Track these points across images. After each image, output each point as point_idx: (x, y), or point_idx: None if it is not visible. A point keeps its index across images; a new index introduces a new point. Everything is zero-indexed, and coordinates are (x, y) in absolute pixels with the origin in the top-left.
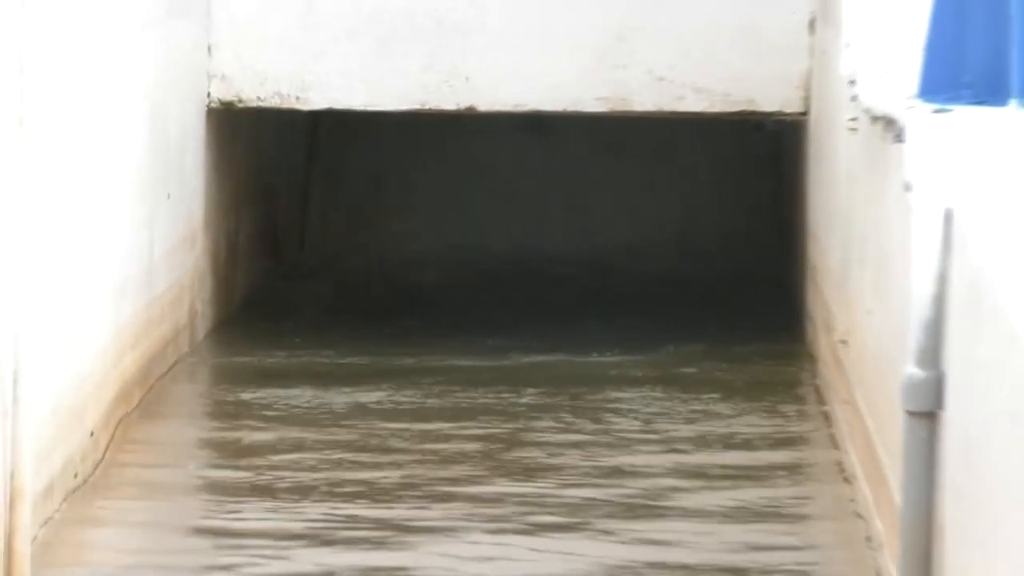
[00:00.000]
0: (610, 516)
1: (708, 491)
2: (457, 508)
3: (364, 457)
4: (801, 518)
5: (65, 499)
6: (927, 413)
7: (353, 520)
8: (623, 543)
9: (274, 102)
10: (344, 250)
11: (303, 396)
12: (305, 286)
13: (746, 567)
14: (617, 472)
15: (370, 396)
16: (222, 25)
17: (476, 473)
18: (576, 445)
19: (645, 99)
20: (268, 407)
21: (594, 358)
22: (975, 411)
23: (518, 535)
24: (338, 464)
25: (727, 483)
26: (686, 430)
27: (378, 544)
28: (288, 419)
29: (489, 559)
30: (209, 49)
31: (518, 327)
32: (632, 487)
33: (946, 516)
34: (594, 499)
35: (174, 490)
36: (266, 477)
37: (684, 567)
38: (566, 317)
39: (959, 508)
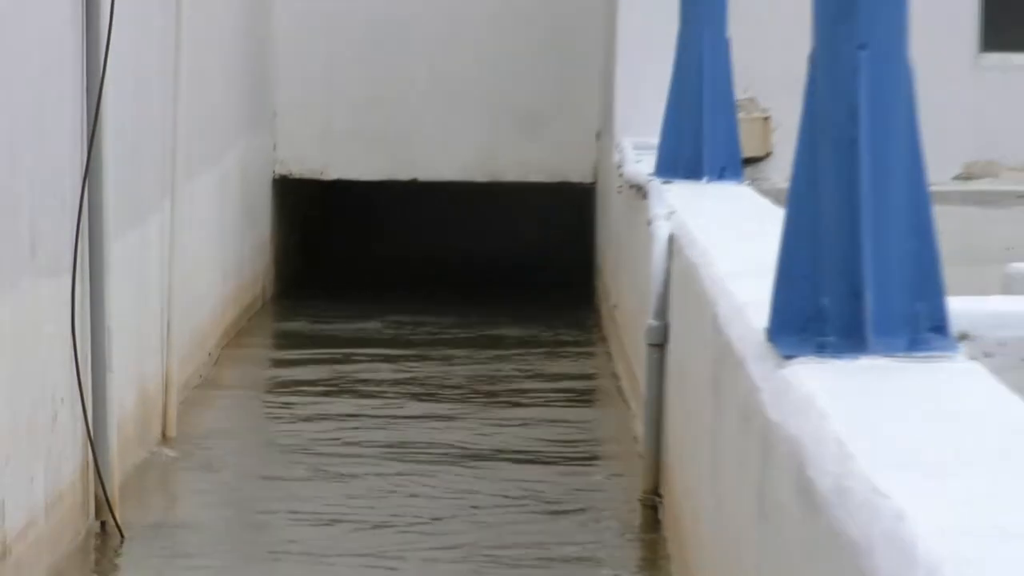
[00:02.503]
0: (490, 397)
1: (537, 381)
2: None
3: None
4: (591, 399)
5: (194, 388)
6: (659, 345)
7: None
8: (492, 417)
9: (309, 175)
10: (349, 257)
11: (330, 332)
12: (326, 277)
13: (554, 419)
14: (491, 377)
15: (369, 328)
16: (281, 132)
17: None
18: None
19: (510, 174)
20: (308, 340)
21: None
22: (683, 343)
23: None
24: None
25: (548, 380)
26: (526, 357)
27: (395, 417)
28: (321, 346)
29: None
30: (274, 146)
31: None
32: (498, 384)
33: (669, 399)
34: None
35: (255, 385)
36: (312, 376)
37: (524, 420)
38: (477, 293)
39: (675, 394)
